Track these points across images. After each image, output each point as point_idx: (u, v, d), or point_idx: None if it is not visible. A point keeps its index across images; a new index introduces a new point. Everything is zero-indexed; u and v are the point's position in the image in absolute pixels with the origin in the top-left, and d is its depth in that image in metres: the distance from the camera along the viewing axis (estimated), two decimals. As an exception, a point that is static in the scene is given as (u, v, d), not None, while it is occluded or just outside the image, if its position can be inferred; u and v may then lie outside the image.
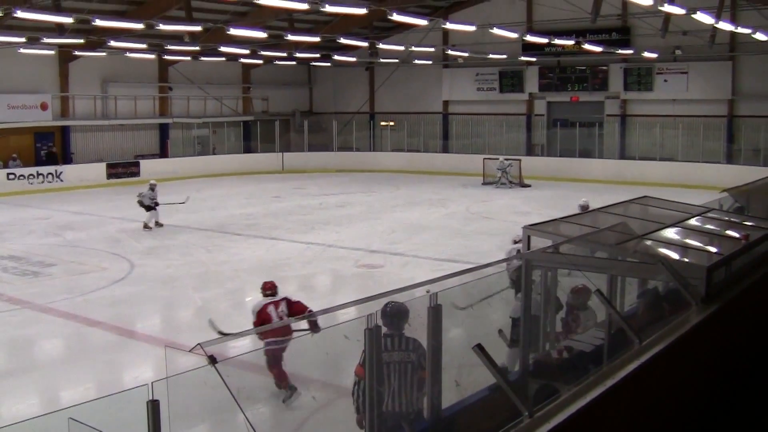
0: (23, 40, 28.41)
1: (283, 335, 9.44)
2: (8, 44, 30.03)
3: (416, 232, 21.97)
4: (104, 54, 34.19)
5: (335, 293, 15.47)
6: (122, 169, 36.27)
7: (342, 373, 9.28)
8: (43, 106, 35.05)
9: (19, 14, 22.46)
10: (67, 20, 24.59)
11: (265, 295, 10.40)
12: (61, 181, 33.96)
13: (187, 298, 15.16)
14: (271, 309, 10.38)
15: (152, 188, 24.02)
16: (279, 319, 10.34)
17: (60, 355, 12.19)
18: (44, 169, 33.98)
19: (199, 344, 4.28)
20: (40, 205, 28.50)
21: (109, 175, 35.70)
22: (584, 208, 15.84)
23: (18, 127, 34.35)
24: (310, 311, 9.65)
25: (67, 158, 36.04)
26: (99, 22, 24.72)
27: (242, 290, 15.87)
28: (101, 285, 15.49)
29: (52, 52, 33.71)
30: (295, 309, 10.06)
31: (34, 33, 27.98)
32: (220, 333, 9.90)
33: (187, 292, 15.55)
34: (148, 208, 23.57)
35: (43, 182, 33.46)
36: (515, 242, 12.36)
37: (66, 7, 25.03)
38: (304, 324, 7.97)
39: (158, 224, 23.39)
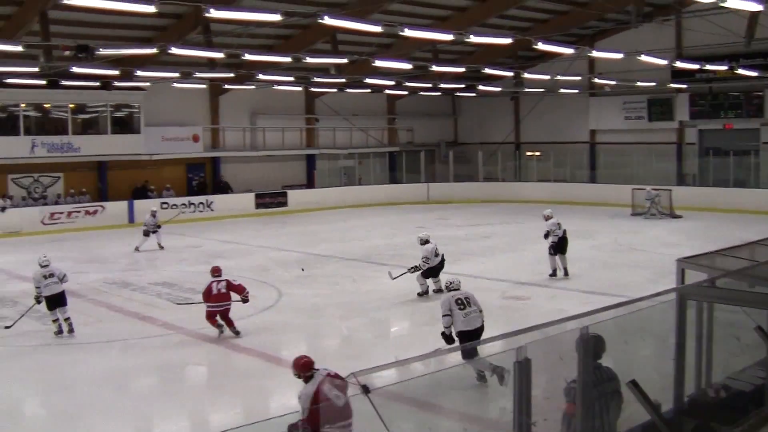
0: (177, 75, 29.57)
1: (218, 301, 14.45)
2: (163, 79, 31.29)
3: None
4: (253, 87, 35.16)
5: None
6: (270, 200, 37.14)
7: (490, 404, 9.16)
8: (195, 138, 36.36)
9: (174, 51, 23.41)
10: (218, 55, 25.42)
11: (213, 277, 14.36)
12: (212, 210, 35.05)
13: (333, 327, 15.29)
14: (213, 285, 14.38)
15: (153, 215, 25.85)
16: (218, 291, 14.34)
17: (209, 379, 12.47)
18: (195, 199, 35.18)
19: (352, 374, 4.27)
20: (192, 234, 29.44)
21: (258, 205, 36.61)
22: (547, 218, 17.94)
23: (171, 159, 35.74)
24: (247, 293, 14.36)
25: (217, 188, 37.19)
26: (248, 57, 25.49)
27: (387, 321, 15.90)
28: (249, 312, 15.78)
29: (204, 86, 34.96)
30: (235, 287, 14.13)
31: (187, 68, 29.12)
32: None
33: (333, 321, 15.69)
34: (147, 233, 25.84)
35: (194, 211, 34.61)
36: None
37: (217, 43, 25.86)
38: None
39: (160, 246, 25.49)
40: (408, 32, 20.88)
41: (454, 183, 41.70)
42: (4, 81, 28.93)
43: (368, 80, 33.07)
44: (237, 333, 14.20)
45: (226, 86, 35.09)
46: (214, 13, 18.64)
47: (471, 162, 43.64)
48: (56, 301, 14.40)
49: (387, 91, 40.86)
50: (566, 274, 19.24)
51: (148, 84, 33.11)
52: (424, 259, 17.22)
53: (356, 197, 39.65)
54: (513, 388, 5.83)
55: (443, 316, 11.55)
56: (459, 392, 8.28)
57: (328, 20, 19.15)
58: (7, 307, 16.83)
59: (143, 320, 15.72)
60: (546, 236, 19.45)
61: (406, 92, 41.05)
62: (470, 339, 11.12)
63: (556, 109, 42.22)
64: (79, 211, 32.09)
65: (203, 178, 37.80)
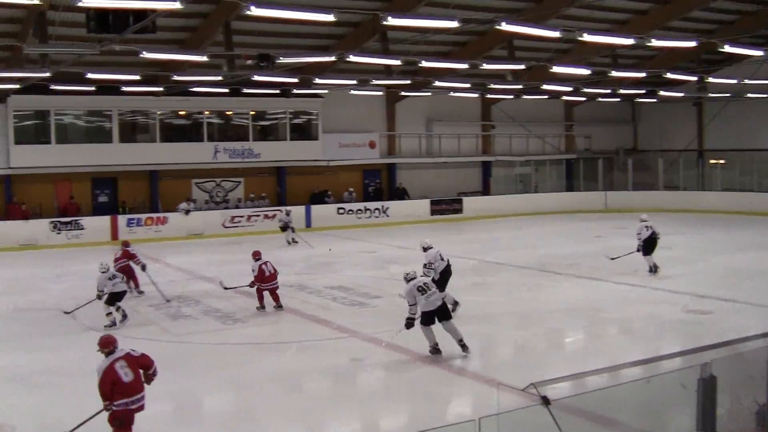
0: (354, 82, 30.07)
1: (271, 280, 16.51)
2: (340, 87, 31.89)
3: (749, 277, 20.50)
4: (429, 94, 35.36)
5: (660, 339, 14.74)
6: (445, 206, 37.23)
7: (670, 422, 8.78)
8: (371, 145, 36.86)
9: (351, 59, 23.81)
10: (395, 63, 25.67)
11: (257, 260, 15.29)
12: (387, 216, 35.43)
13: (507, 336, 15.11)
14: (263, 266, 16.12)
15: (287, 213, 29.32)
16: (269, 272, 16.17)
17: (381, 384, 12.51)
18: (371, 205, 35.66)
19: (532, 384, 4.15)
20: (367, 239, 29.83)
21: (433, 212, 36.77)
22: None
23: (348, 165, 36.38)
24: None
25: (393, 194, 37.58)
26: (425, 64, 25.64)
27: (562, 331, 15.57)
28: (424, 319, 15.81)
29: (381, 93, 35.36)
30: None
31: (364, 76, 29.53)
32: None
33: (507, 329, 15.50)
34: (284, 228, 28.61)
35: (370, 217, 35.10)
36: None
37: (394, 51, 26.11)
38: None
39: (293, 242, 28.21)
40: (587, 37, 20.53)
41: (633, 191, 40.52)
42: (190, 90, 30.21)
43: (545, 86, 32.65)
44: (281, 307, 16.73)
45: (403, 93, 35.40)
46: (391, 21, 18.85)
47: (651, 170, 42.30)
48: (117, 298, 16.01)
49: (564, 98, 40.26)
50: (655, 270, 20.44)
51: (326, 91, 33.87)
52: (427, 265, 16.32)
53: (532, 205, 39.21)
54: (696, 406, 5.53)
55: (410, 305, 13.08)
56: (636, 408, 7.97)
57: (505, 26, 19.02)
58: (189, 306, 17.47)
59: (318, 323, 15.97)
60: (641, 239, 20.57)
61: (583, 98, 40.30)
62: (432, 317, 12.95)
63: (743, 114, 40.34)
64: (258, 215, 33.14)
65: (379, 184, 38.28)
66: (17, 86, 28.22)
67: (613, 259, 20.91)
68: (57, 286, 21.07)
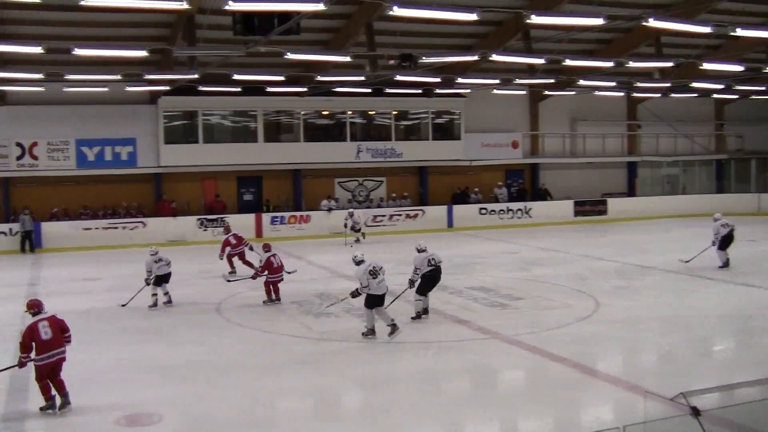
0: (497, 81, 29.79)
1: (277, 272, 17.71)
2: (483, 86, 31.67)
3: None
4: (573, 93, 34.74)
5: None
6: (589, 207, 36.54)
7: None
8: (514, 145, 36.55)
9: (494, 57, 23.59)
10: (539, 61, 25.32)
11: (267, 251, 16.05)
12: (530, 217, 35.03)
13: (652, 342, 14.62)
14: (272, 258, 17.40)
15: (351, 215, 28.09)
16: (277, 264, 17.48)
17: (520, 386, 12.29)
18: (514, 205, 35.29)
19: (681, 394, 3.93)
20: (509, 240, 29.52)
21: (577, 213, 36.12)
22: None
23: (490, 165, 36.13)
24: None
25: (536, 195, 37.12)
26: (569, 62, 25.18)
27: (711, 338, 14.96)
28: (566, 322, 15.46)
29: (524, 93, 35.01)
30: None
31: (507, 75, 29.23)
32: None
33: (652, 335, 15.00)
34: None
35: (512, 218, 34.75)
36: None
37: (537, 49, 25.76)
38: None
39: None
40: (740, 32, 19.72)
41: (790, 193, 38.76)
42: (333, 90, 30.56)
43: (695, 84, 31.58)
44: (280, 300, 17.88)
45: (546, 92, 34.90)
46: (534, 19, 18.60)
47: (811, 171, 40.43)
48: (163, 279, 17.70)
49: (715, 95, 38.84)
50: (726, 265, 21.45)
51: (468, 91, 33.70)
52: (416, 271, 15.63)
53: (679, 207, 38.02)
54: None
55: (362, 287, 14.25)
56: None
57: (653, 23, 18.47)
58: (332, 304, 17.62)
59: (459, 323, 15.84)
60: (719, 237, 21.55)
61: (736, 96, 38.79)
62: (379, 301, 14.26)
63: None
64: (400, 215, 33.26)
65: (522, 185, 37.86)
66: (167, 88, 29.24)
67: (687, 261, 21.51)
68: (203, 282, 21.65)
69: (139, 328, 15.89)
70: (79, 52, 20.46)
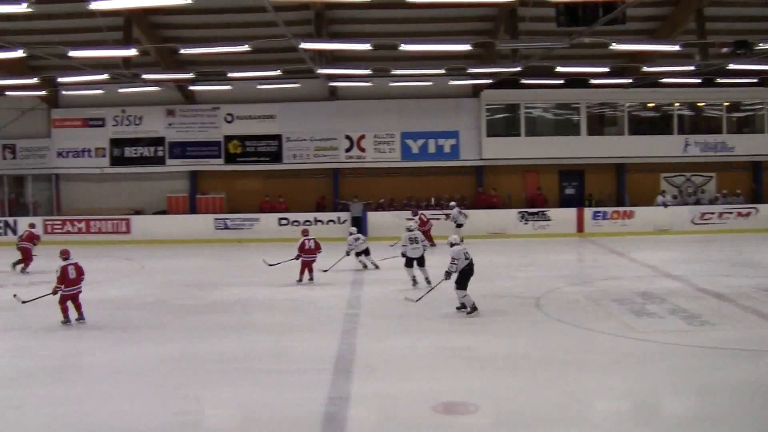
0: None
1: (311, 254, 20.24)
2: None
3: None
4: None
5: None
6: None
7: None
8: None
9: None
10: None
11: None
12: None
13: None
14: (305, 241, 20.01)
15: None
16: (309, 246, 20.10)
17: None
18: None
19: None
20: None
21: None
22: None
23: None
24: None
25: None
26: None
27: None
28: None
29: None
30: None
31: None
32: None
33: None
34: None
35: None
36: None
37: None
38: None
39: None
40: None
41: None
42: (659, 81, 29.33)
43: None
44: (312, 280, 20.45)
45: None
46: None
47: None
48: (418, 261, 19.24)
49: None
50: None
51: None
52: (453, 262, 15.79)
53: None
54: None
55: (403, 246, 19.38)
56: None
57: None
58: (654, 303, 16.88)
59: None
60: None
61: None
62: (413, 261, 19.12)
63: None
64: (730, 212, 31.32)
65: None
66: (489, 81, 29.44)
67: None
68: (523, 275, 21.60)
69: (458, 318, 16.05)
70: (405, 47, 21.07)
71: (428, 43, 24.78)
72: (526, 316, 16.17)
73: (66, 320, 15.59)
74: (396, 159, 32.18)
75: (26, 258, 23.43)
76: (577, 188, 33.62)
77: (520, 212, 31.20)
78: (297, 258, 20.35)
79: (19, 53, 20.47)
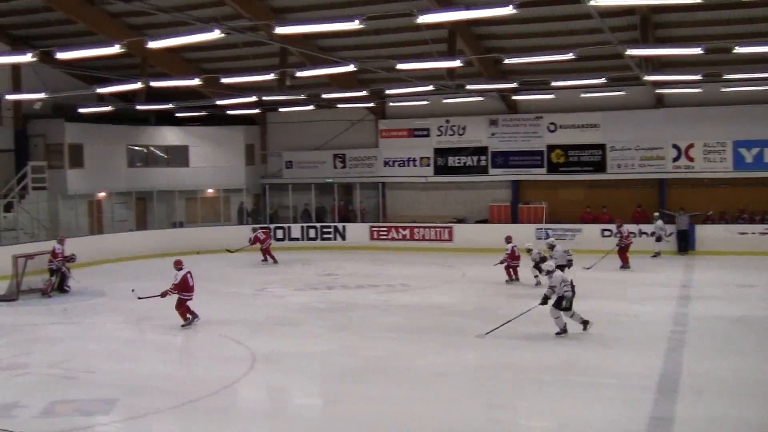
0: None
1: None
2: None
3: None
4: None
5: None
6: None
7: None
8: None
9: None
10: None
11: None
12: None
13: None
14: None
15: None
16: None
17: None
18: None
19: None
20: None
21: None
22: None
23: None
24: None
25: None
26: None
27: None
28: None
29: None
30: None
31: None
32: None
33: None
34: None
35: None
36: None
37: None
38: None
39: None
40: None
41: None
42: None
43: None
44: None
45: None
46: None
47: None
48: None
49: None
50: None
51: None
52: (552, 289, 15.64)
53: None
54: None
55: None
56: None
57: None
58: None
59: None
60: None
61: None
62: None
63: None
64: None
65: None
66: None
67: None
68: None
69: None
70: (739, 50, 19.86)
71: (765, 45, 23.10)
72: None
73: (187, 323, 17.45)
74: (727, 169, 30.36)
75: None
76: None
77: None
78: (502, 263, 22.66)
79: (351, 67, 21.47)
